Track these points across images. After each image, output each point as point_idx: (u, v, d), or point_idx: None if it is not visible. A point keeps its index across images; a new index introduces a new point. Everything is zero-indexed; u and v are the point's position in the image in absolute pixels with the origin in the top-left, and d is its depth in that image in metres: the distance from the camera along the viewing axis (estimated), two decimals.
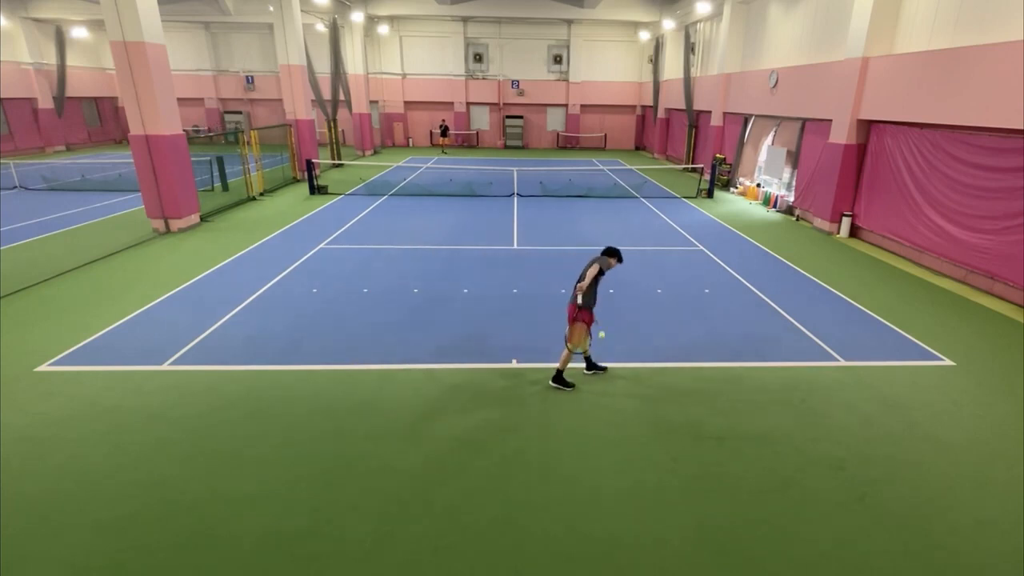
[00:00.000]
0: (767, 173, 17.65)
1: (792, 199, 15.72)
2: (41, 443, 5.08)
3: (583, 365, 6.45)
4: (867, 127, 12.61)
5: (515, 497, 4.49)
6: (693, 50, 24.72)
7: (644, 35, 30.99)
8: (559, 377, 6.12)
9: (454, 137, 33.86)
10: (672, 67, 28.06)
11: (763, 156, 18.19)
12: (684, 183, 20.88)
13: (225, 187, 18.02)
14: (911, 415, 5.70)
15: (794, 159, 15.89)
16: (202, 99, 33.91)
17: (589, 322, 5.92)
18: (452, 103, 33.27)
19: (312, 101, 22.25)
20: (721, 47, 20.88)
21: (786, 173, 16.36)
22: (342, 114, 28.80)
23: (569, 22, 31.05)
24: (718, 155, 20.71)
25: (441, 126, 31.39)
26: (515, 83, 32.66)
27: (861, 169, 12.81)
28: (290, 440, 5.18)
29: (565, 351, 6.04)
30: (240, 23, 30.97)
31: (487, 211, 15.33)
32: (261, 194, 17.45)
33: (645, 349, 7.13)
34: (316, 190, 17.89)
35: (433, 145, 33.71)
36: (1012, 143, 8.86)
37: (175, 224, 12.78)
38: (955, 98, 9.75)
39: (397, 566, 3.82)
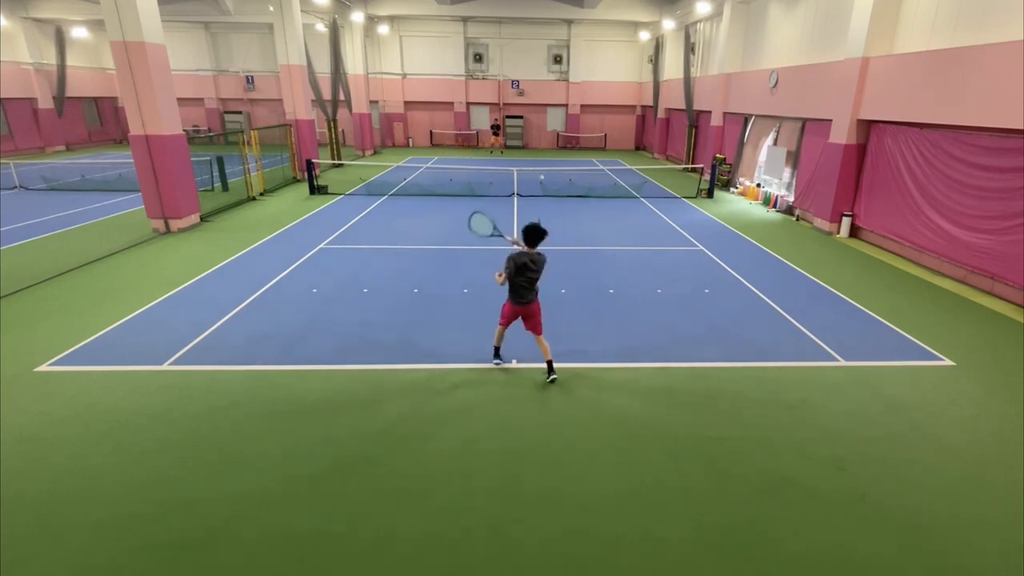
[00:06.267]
0: (767, 173, 17.65)
1: (792, 199, 15.72)
2: (41, 443, 5.08)
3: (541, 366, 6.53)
4: (867, 127, 12.61)
5: (516, 497, 4.49)
6: (693, 50, 24.72)
7: (644, 35, 30.99)
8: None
9: (458, 137, 33.87)
10: (672, 67, 28.06)
11: (763, 156, 18.19)
12: (684, 183, 20.88)
13: (225, 187, 18.01)
14: (911, 415, 5.70)
15: (794, 159, 15.89)
16: (202, 99, 33.92)
17: (506, 315, 6.26)
18: (452, 103, 33.28)
19: (312, 101, 22.25)
20: (721, 47, 20.88)
21: (786, 173, 16.36)
22: (342, 114, 28.80)
23: (569, 22, 31.05)
24: (718, 155, 20.71)
25: (493, 124, 31.41)
26: (515, 83, 32.67)
27: (861, 169, 12.81)
28: (290, 440, 5.17)
29: (543, 340, 6.29)
30: (240, 23, 30.97)
31: (487, 211, 15.24)
32: (261, 194, 17.45)
33: (645, 349, 7.13)
34: (316, 190, 17.89)
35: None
36: (1012, 143, 8.86)
37: (175, 224, 12.78)
38: (955, 98, 9.74)
39: (397, 566, 3.82)
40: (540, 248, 6.00)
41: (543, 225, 5.90)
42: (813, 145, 14.65)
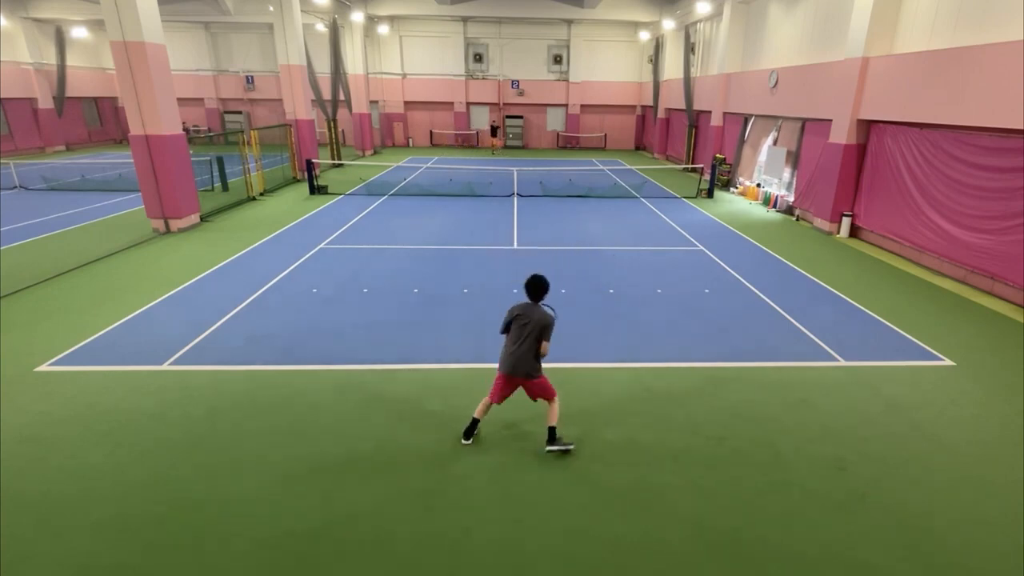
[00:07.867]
0: (767, 173, 17.65)
1: (792, 199, 15.72)
2: (41, 443, 5.08)
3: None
4: (867, 127, 12.61)
5: (516, 497, 4.49)
6: (693, 50, 24.72)
7: (644, 35, 30.98)
8: (554, 437, 4.96)
9: (458, 137, 33.86)
10: (672, 67, 28.05)
11: (763, 156, 18.19)
12: (684, 183, 20.88)
13: (225, 187, 18.01)
14: (911, 415, 5.69)
15: (794, 159, 15.89)
16: (202, 99, 33.91)
17: (494, 388, 5.03)
18: (452, 103, 33.28)
19: (312, 101, 22.25)
20: (721, 47, 20.88)
21: (786, 173, 16.36)
22: (342, 114, 28.79)
23: (569, 22, 31.05)
24: (718, 155, 20.71)
25: (492, 125, 31.69)
26: (515, 83, 32.67)
27: (861, 169, 12.81)
28: (290, 440, 5.17)
29: (554, 404, 4.96)
30: (240, 23, 30.97)
31: (487, 211, 15.33)
32: (261, 194, 17.45)
33: (645, 349, 7.13)
34: (316, 190, 17.89)
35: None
36: (1012, 143, 8.85)
37: (175, 224, 12.78)
38: (955, 98, 9.74)
39: (397, 566, 3.82)
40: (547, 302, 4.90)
41: (545, 276, 4.86)
42: (813, 145, 14.65)
